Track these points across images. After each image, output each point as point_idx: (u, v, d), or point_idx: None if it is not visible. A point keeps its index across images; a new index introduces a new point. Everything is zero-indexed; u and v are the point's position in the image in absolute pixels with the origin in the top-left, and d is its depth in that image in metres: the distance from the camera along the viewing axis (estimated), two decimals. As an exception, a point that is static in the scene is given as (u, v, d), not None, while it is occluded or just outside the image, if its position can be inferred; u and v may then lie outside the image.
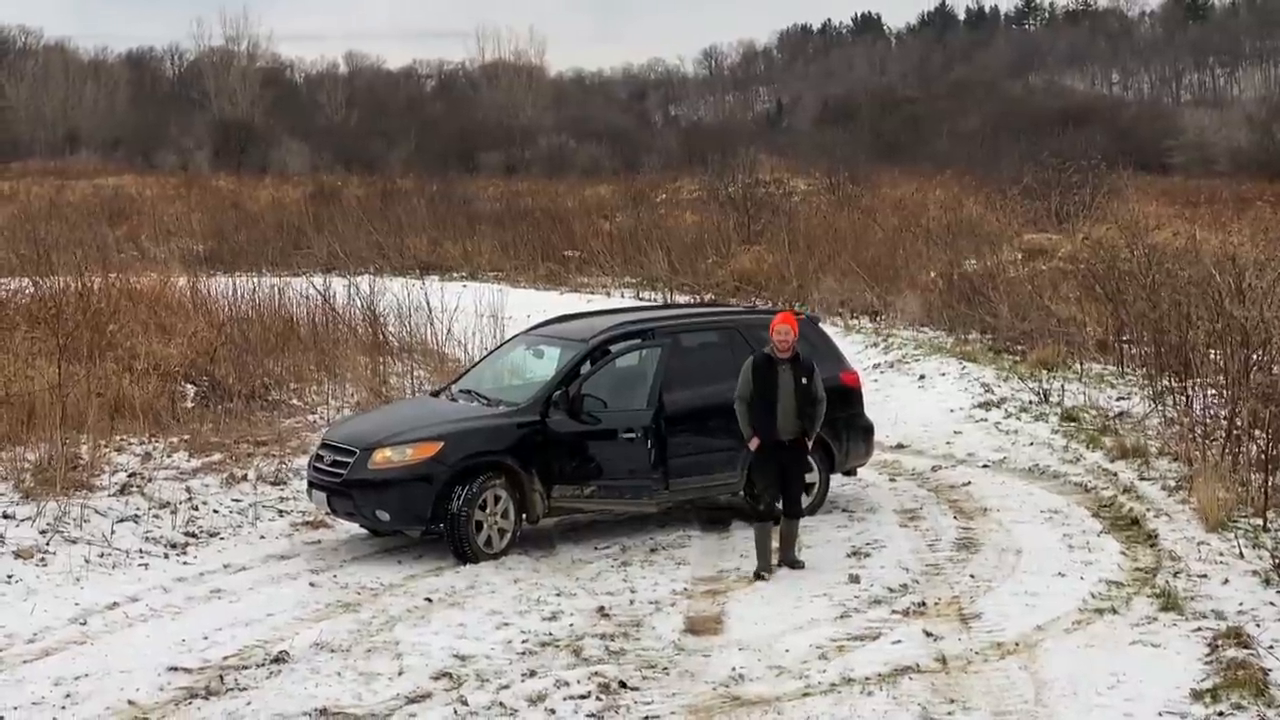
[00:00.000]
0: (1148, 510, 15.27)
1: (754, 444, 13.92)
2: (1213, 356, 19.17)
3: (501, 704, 10.43)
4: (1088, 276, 26.30)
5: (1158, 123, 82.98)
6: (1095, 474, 17.15)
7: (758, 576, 13.61)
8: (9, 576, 13.30)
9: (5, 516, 14.56)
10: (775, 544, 13.95)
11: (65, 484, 15.55)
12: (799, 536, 14.16)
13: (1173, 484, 16.06)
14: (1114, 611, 12.24)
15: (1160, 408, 19.17)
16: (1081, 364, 23.25)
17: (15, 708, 10.57)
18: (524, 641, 11.88)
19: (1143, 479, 16.56)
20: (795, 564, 13.91)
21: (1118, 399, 20.81)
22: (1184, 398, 18.61)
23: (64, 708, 10.58)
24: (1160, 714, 9.92)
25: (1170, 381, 19.47)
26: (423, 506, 14.25)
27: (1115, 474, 16.95)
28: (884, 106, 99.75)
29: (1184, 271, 22.74)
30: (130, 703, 10.68)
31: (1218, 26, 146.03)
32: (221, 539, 15.05)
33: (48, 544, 14.08)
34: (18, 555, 13.70)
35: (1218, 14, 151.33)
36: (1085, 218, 37.72)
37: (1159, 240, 29.85)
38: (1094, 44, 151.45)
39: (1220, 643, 11.21)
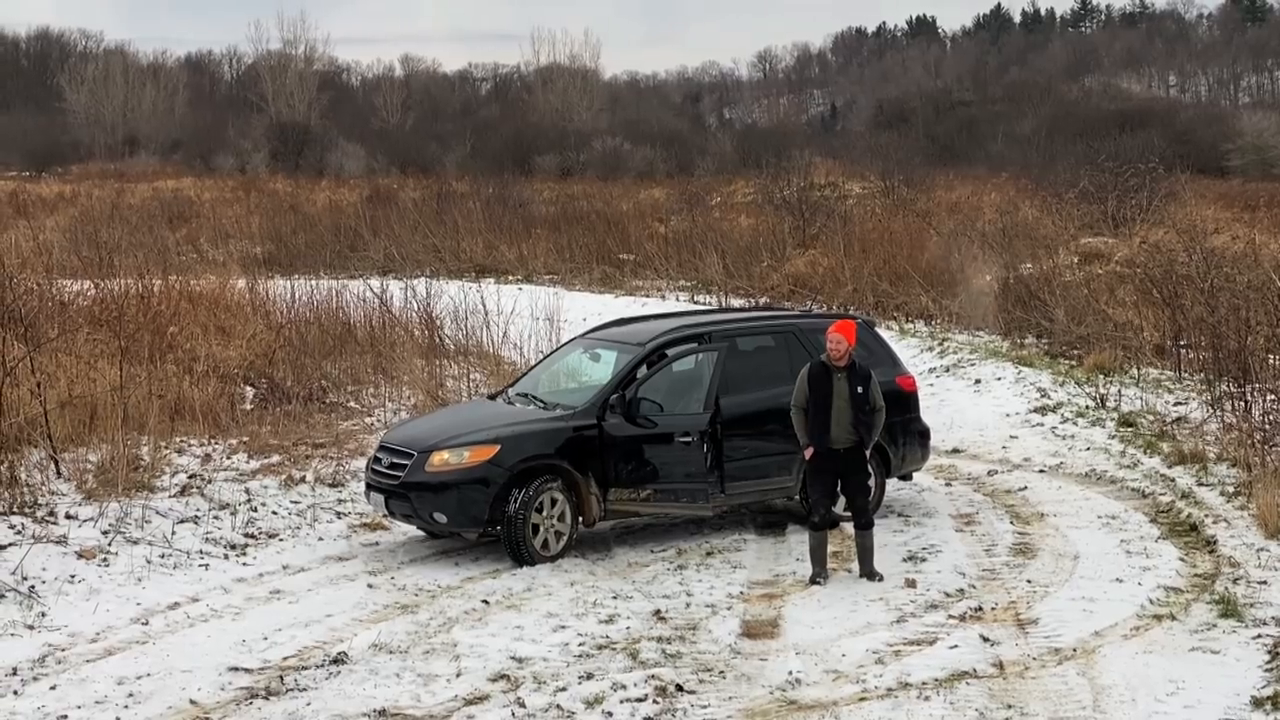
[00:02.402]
0: (1206, 516, 15.20)
1: (809, 453, 13.86)
2: (1272, 361, 19.06)
3: (559, 706, 10.47)
4: (1145, 281, 26.16)
5: (1215, 125, 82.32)
6: (1153, 479, 17.07)
7: (813, 581, 13.61)
8: (72, 576, 13.43)
9: (68, 517, 14.71)
10: (831, 549, 13.95)
11: (127, 485, 15.70)
12: (869, 549, 13.90)
13: (1231, 490, 15.99)
14: (1172, 618, 12.19)
15: (1219, 413, 19.05)
16: (1139, 369, 23.12)
17: (79, 706, 10.69)
18: (581, 644, 11.93)
19: (1201, 484, 16.49)
20: (874, 576, 13.74)
21: (1175, 404, 20.70)
22: (1243, 403, 18.49)
23: (126, 707, 10.70)
24: (1219, 721, 9.89)
25: (1229, 386, 19.36)
26: (480, 509, 14.32)
27: (1173, 479, 16.87)
28: (939, 109, 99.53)
29: (1243, 276, 22.63)
30: (192, 702, 10.78)
31: (1276, 28, 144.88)
32: (280, 540, 15.16)
33: (110, 544, 14.21)
34: (80, 555, 13.84)
35: (1276, 15, 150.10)
36: (1142, 221, 37.50)
37: (1217, 244, 29.71)
38: (1151, 46, 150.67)
39: (1280, 650, 11.17)
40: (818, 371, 13.83)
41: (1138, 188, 38.84)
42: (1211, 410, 19.34)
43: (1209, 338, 21.48)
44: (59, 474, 16.06)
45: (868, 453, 14.04)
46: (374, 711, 10.49)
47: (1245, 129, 79.16)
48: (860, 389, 13.77)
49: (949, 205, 46.54)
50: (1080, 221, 38.65)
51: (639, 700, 10.57)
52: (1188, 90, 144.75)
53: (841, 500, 15.62)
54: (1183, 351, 23.48)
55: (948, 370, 24.84)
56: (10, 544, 13.80)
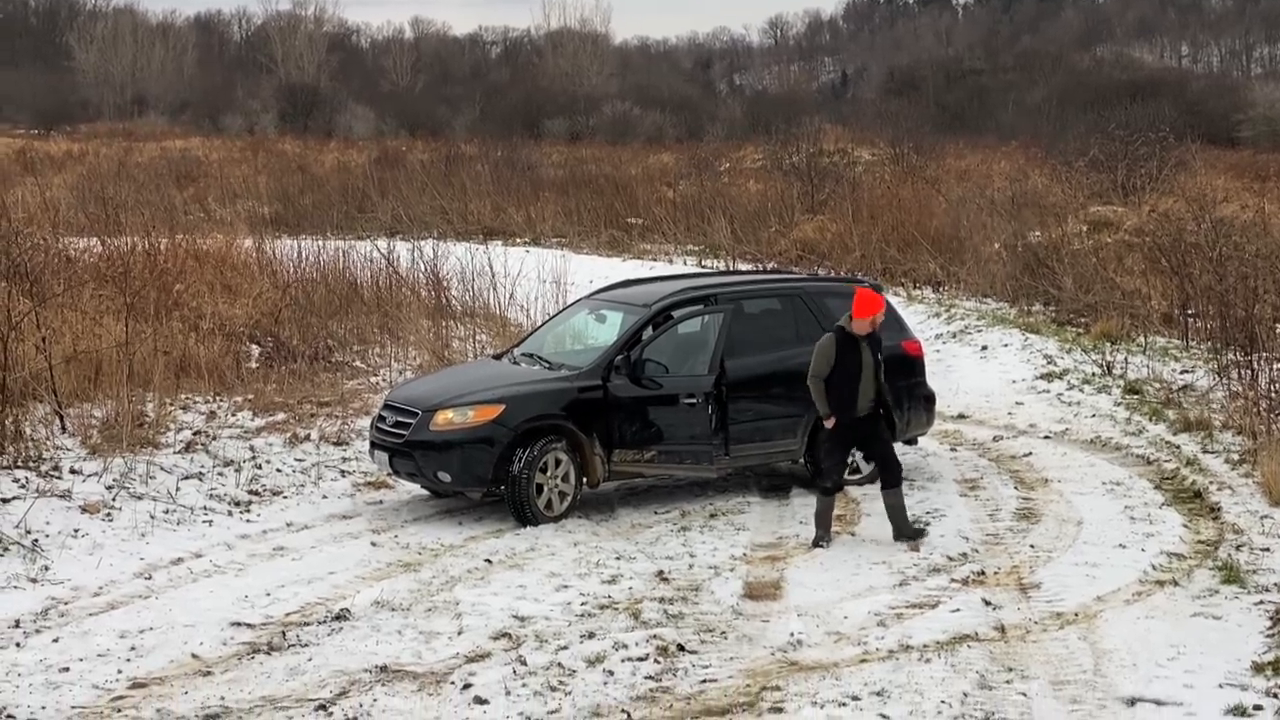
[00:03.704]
0: (1210, 483, 15.19)
1: (831, 423, 13.69)
2: (1279, 330, 19.00)
3: (560, 665, 10.48)
4: (1153, 249, 26.09)
5: (1227, 96, 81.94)
6: (1158, 446, 17.05)
7: (816, 544, 13.60)
8: (76, 531, 13.46)
9: (73, 472, 14.73)
10: (834, 512, 13.94)
11: (131, 441, 15.71)
12: (902, 506, 13.84)
13: (1236, 457, 15.97)
14: (1175, 584, 12.19)
15: (1225, 381, 19.02)
16: (1146, 337, 23.08)
17: (81, 659, 10.72)
18: (583, 604, 11.94)
19: (1206, 452, 16.48)
20: (916, 533, 13.67)
21: (1182, 372, 20.67)
22: (1249, 371, 18.44)
23: (129, 660, 10.72)
24: (1221, 686, 9.86)
25: (1236, 355, 19.31)
26: (484, 468, 14.32)
27: (1178, 447, 16.86)
28: (950, 77, 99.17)
29: (1251, 245, 22.58)
30: (194, 656, 10.81)
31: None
32: (284, 498, 15.18)
33: (114, 500, 14.24)
34: (85, 510, 13.87)
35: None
36: (1152, 190, 37.37)
37: (1226, 213, 29.62)
38: (1163, 16, 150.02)
39: (1282, 616, 11.16)
40: (845, 341, 13.63)
41: (1148, 157, 38.69)
42: (1218, 378, 19.32)
43: (1217, 306, 21.43)
44: (64, 429, 16.08)
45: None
46: (375, 667, 10.51)
47: (1257, 99, 78.77)
48: (879, 355, 13.74)
49: (958, 173, 46.38)
50: (1089, 190, 38.51)
51: (640, 660, 10.58)
52: (1200, 60, 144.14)
53: (847, 464, 15.71)
54: (1190, 320, 23.44)
55: (954, 336, 24.81)
56: (14, 498, 13.84)
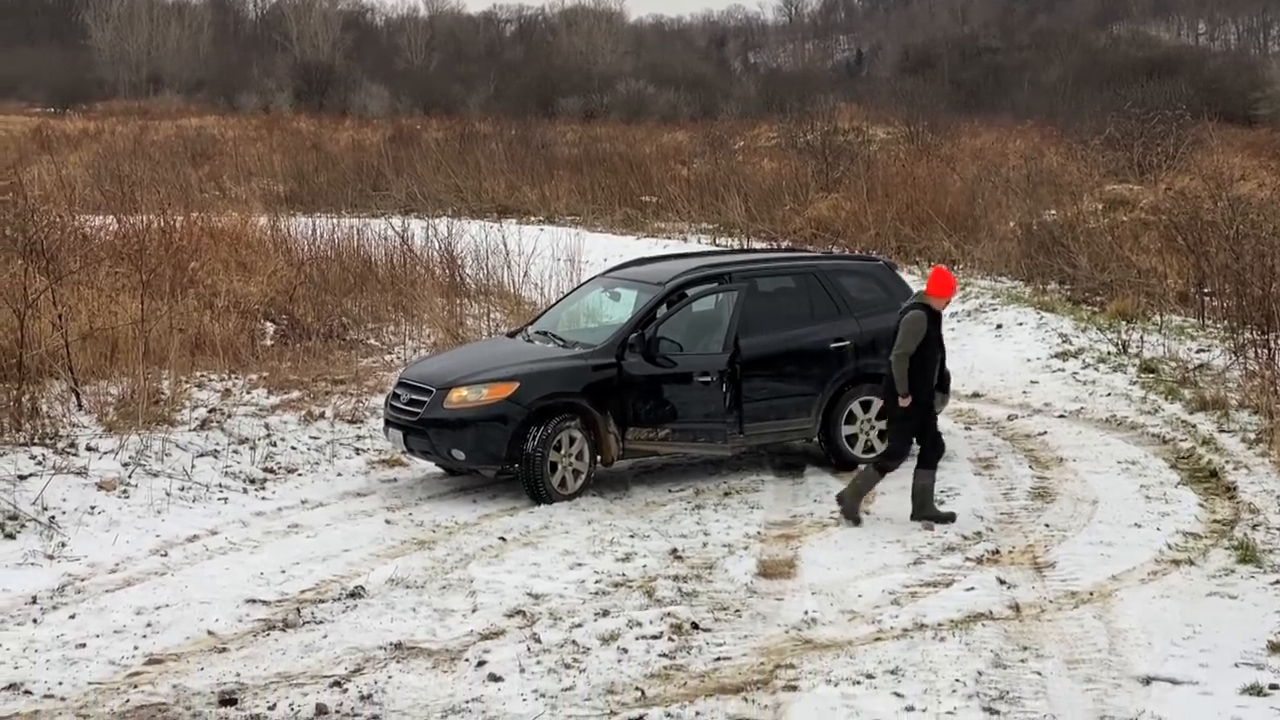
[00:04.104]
0: (1227, 462, 15.15)
1: (908, 402, 13.47)
2: (1296, 309, 18.94)
3: (574, 642, 10.49)
4: (1169, 228, 26.02)
5: (1244, 74, 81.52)
6: (1174, 425, 17.01)
7: (855, 520, 13.54)
8: (92, 508, 13.50)
9: (89, 449, 14.77)
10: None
11: (147, 418, 15.75)
12: (931, 488, 13.81)
13: (1253, 437, 15.93)
14: (1191, 563, 12.17)
15: (1241, 360, 18.97)
16: (1161, 315, 23.02)
17: (98, 635, 10.76)
18: (597, 582, 11.95)
19: (1222, 431, 16.42)
20: (943, 518, 13.57)
21: (1198, 351, 20.62)
22: (1266, 350, 18.41)
23: (145, 636, 10.76)
24: (1236, 665, 9.85)
25: (1252, 334, 19.26)
26: (498, 446, 14.33)
27: (1194, 426, 16.81)
28: (965, 56, 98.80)
29: (1268, 223, 22.47)
30: (210, 633, 10.84)
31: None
32: (299, 475, 15.21)
33: (130, 477, 14.27)
34: (101, 487, 13.90)
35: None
36: (1168, 169, 37.26)
37: (1243, 192, 29.50)
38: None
39: (1298, 596, 11.14)
40: (929, 318, 13.48)
41: (1164, 135, 38.58)
42: (1234, 357, 19.27)
43: (1233, 285, 21.36)
44: (80, 406, 16.12)
45: None
46: (390, 645, 10.53)
47: (1275, 77, 78.43)
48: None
49: (973, 151, 46.24)
50: (1105, 168, 38.42)
51: (654, 637, 10.59)
52: (1217, 38, 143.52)
53: (862, 442, 15.72)
54: (1206, 298, 23.37)
55: (969, 315, 24.76)
56: (31, 474, 13.87)
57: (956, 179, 36.60)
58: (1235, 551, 12.34)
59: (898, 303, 16.00)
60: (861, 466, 13.79)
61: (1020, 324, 23.38)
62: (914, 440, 13.76)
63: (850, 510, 13.63)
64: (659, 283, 15.63)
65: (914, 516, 13.63)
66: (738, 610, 11.28)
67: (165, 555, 12.69)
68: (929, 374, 13.52)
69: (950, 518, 13.59)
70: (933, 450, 13.76)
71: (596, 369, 14.78)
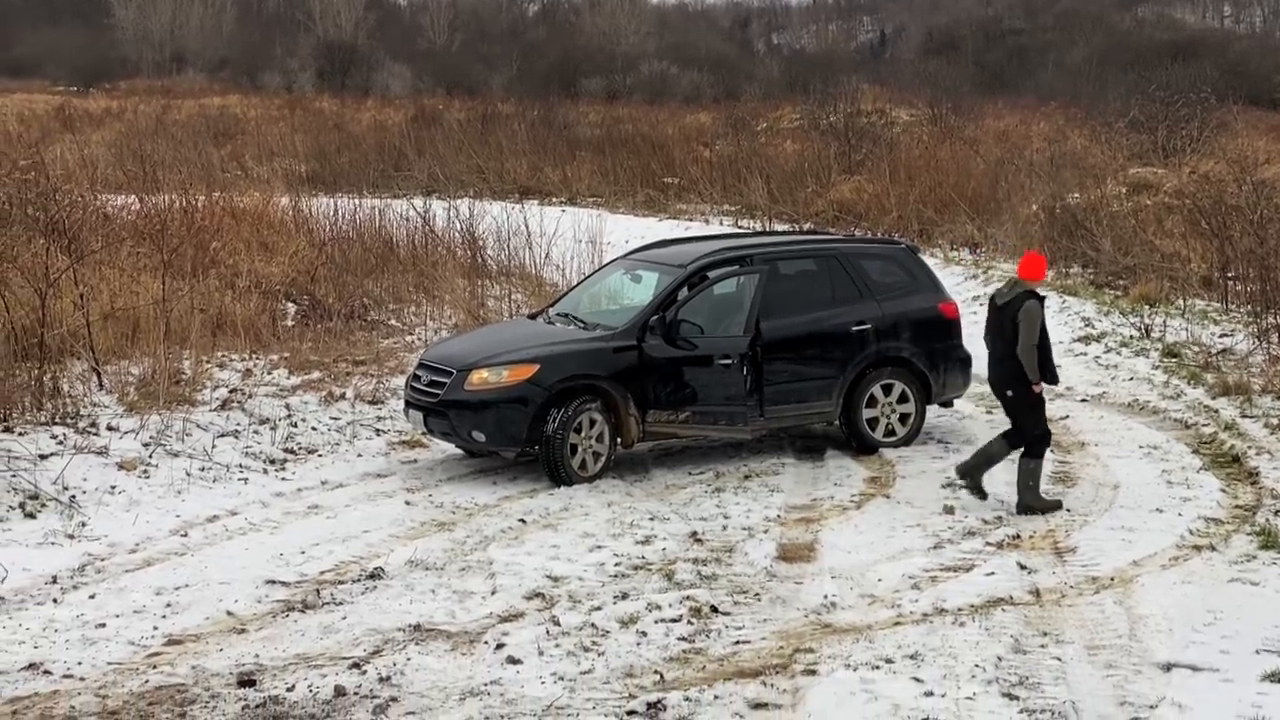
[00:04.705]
0: (1249, 448, 15.09)
1: (1041, 388, 13.38)
2: (1321, 295, 18.86)
3: (593, 625, 10.49)
4: (1193, 211, 25.90)
5: (1270, 57, 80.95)
6: (1196, 410, 16.94)
7: (1054, 508, 13.36)
8: (112, 487, 13.53)
9: (110, 429, 14.80)
10: (870, 474, 13.89)
11: (168, 398, 15.78)
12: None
13: (1276, 422, 15.87)
14: (1212, 549, 12.12)
15: (1265, 345, 18.90)
16: (1185, 300, 22.93)
17: (118, 615, 10.79)
18: (616, 564, 11.95)
19: (1245, 416, 16.36)
20: (1050, 506, 13.46)
21: (1221, 335, 20.53)
22: (1290, 335, 18.35)
23: (164, 617, 10.79)
24: (1257, 652, 9.81)
25: (1276, 319, 19.18)
26: (518, 428, 14.32)
27: (1216, 411, 16.74)
28: (989, 37, 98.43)
29: (1293, 208, 22.34)
30: (229, 614, 10.86)
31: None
32: (319, 456, 15.22)
33: (150, 456, 14.30)
34: (121, 467, 13.93)
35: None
36: (1192, 152, 37.09)
37: (1268, 176, 29.35)
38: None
39: (1320, 583, 11.09)
40: (1041, 303, 13.38)
41: (1188, 118, 38.40)
42: (1257, 342, 19.20)
43: (1257, 269, 21.27)
44: (101, 386, 16.16)
45: None
46: (409, 626, 10.54)
47: (1300, 61, 77.96)
48: None
49: (997, 134, 46.07)
50: (1129, 151, 38.25)
51: (674, 621, 10.59)
52: (1242, 21, 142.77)
53: (883, 426, 15.68)
54: (1230, 283, 23.27)
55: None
56: (52, 454, 13.91)
57: (979, 161, 36.47)
58: (1257, 537, 12.30)
59: (920, 286, 16.08)
60: (1015, 461, 13.59)
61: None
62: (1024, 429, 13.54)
63: (1049, 506, 13.40)
64: (680, 265, 15.60)
65: (1019, 509, 13.38)
66: (757, 594, 11.27)
67: (185, 535, 12.72)
68: (1047, 358, 13.41)
69: (1056, 505, 13.45)
70: (1042, 440, 13.55)
71: (617, 351, 14.76)
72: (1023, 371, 13.18)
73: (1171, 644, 10.03)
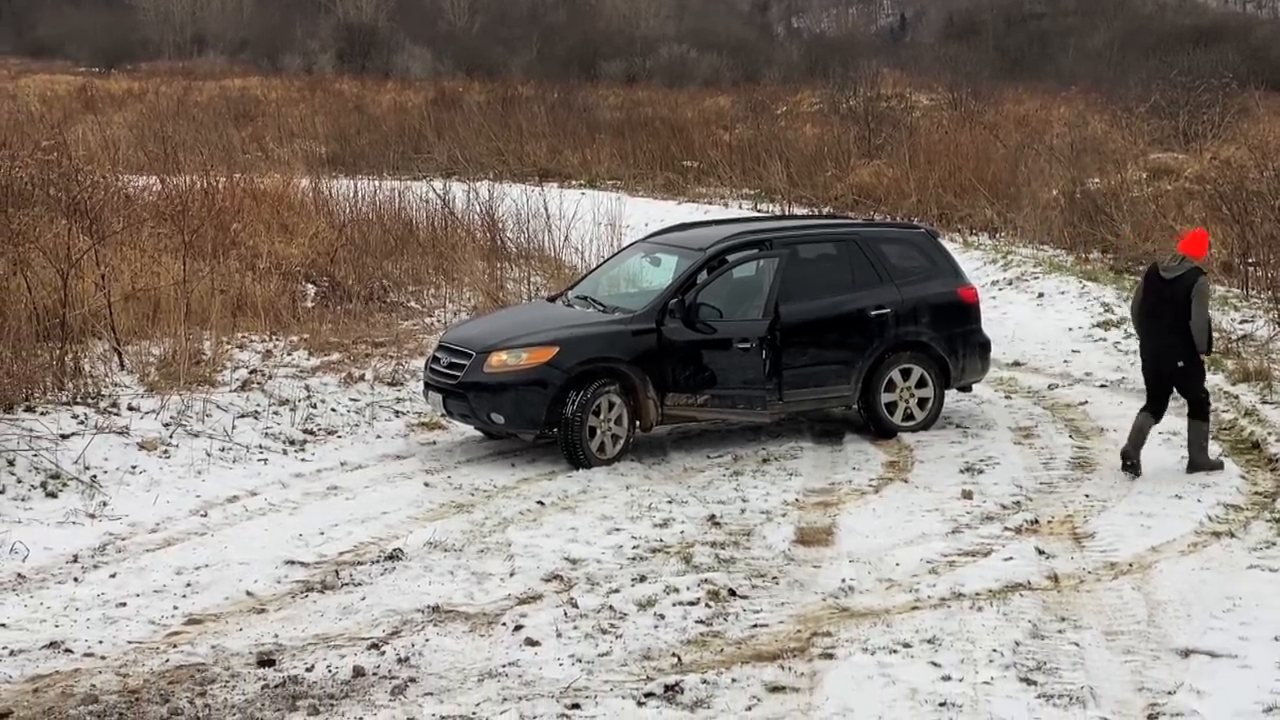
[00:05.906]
0: (1269, 434, 15.06)
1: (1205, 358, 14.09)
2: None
3: (611, 608, 10.51)
4: (1214, 197, 25.80)
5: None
6: (1216, 396, 16.83)
7: (1219, 468, 13.94)
8: (133, 467, 13.59)
9: (130, 409, 14.85)
10: (889, 458, 13.89)
11: (188, 379, 15.83)
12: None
13: (1296, 409, 15.84)
14: (1231, 535, 12.11)
15: (1286, 331, 18.84)
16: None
17: (138, 594, 10.84)
18: (634, 547, 11.97)
19: (1265, 403, 16.32)
20: (1214, 465, 14.01)
21: (1241, 321, 20.46)
22: (1311, 322, 18.29)
23: (184, 596, 10.84)
24: (1276, 639, 9.80)
25: (1296, 305, 19.13)
26: (537, 410, 14.34)
27: (1236, 397, 16.71)
28: (1010, 21, 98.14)
29: (1315, 194, 22.26)
30: (249, 594, 10.91)
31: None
32: (339, 437, 15.27)
33: (171, 437, 14.35)
34: (142, 447, 13.99)
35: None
36: (1214, 137, 36.93)
37: (1289, 162, 29.19)
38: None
39: (1339, 569, 11.07)
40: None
41: (1210, 104, 38.24)
42: (1278, 328, 19.13)
43: (1278, 255, 21.19)
44: (122, 366, 16.22)
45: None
46: (427, 607, 10.57)
47: (1323, 46, 77.62)
48: None
49: (1017, 118, 45.93)
50: (1150, 137, 38.10)
51: (691, 604, 10.60)
52: (1265, 6, 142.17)
53: (901, 410, 15.69)
54: (1250, 269, 23.19)
55: (1010, 283, 24.64)
56: (74, 433, 13.97)
57: (999, 146, 36.37)
58: (1276, 524, 12.28)
59: (939, 271, 16.07)
60: (1187, 427, 14.15)
61: (1062, 293, 23.26)
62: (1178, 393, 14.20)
63: (1215, 462, 14.01)
64: (700, 248, 15.59)
65: (1190, 469, 13.94)
66: (775, 577, 11.29)
67: (205, 516, 12.77)
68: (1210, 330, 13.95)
69: (1219, 465, 14.01)
70: (1207, 403, 14.15)
71: (636, 334, 14.77)
72: (1193, 344, 13.69)
73: (1190, 630, 10.03)
